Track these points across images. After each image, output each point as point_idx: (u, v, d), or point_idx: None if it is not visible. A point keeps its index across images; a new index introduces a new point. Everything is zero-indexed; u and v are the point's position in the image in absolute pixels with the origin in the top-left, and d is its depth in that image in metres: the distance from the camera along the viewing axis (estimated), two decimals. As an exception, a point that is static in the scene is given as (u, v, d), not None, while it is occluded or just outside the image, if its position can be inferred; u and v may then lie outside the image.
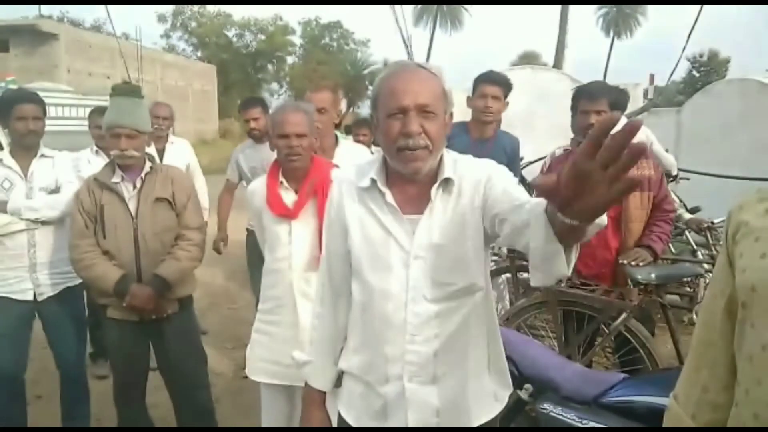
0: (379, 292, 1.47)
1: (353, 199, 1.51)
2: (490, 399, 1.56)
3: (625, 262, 2.83)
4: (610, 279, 2.92)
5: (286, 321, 2.36)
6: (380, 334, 1.48)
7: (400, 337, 1.45)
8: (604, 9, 42.71)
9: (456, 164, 1.47)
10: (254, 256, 4.02)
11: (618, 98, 2.91)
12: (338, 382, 1.65)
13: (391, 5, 10.97)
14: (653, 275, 2.74)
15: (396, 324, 1.45)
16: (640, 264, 2.80)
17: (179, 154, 4.61)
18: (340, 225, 1.54)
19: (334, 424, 1.67)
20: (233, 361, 4.34)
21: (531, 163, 6.49)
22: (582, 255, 2.86)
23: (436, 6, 38.02)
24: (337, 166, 2.50)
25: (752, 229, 1.07)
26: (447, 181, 1.44)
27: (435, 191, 1.43)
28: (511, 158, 3.29)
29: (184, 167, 4.32)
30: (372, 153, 4.19)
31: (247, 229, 4.19)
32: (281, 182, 2.38)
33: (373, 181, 1.47)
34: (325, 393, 1.67)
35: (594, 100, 2.85)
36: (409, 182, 1.46)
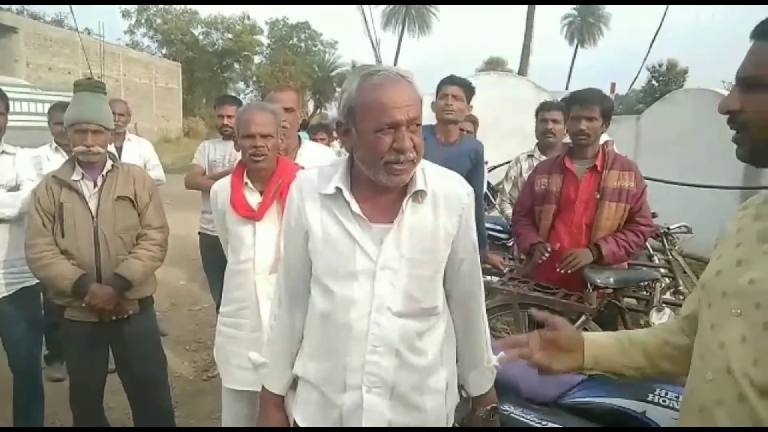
0: (342, 300, 1.44)
1: (315, 203, 1.47)
2: (443, 417, 1.57)
3: (558, 267, 2.88)
4: (579, 284, 2.96)
5: (249, 324, 2.34)
6: (341, 342, 1.46)
7: (362, 347, 1.43)
8: (569, 17, 43.61)
9: (425, 174, 1.47)
10: (210, 259, 3.98)
11: (609, 106, 2.97)
12: (293, 385, 1.64)
13: (360, 7, 10.99)
14: (611, 279, 2.80)
15: (358, 333, 1.43)
16: (572, 266, 2.85)
17: (137, 151, 4.54)
18: (300, 230, 1.50)
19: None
20: (193, 364, 4.27)
21: (496, 167, 6.58)
22: (552, 262, 2.92)
23: (404, 9, 38.22)
24: (302, 167, 2.48)
25: (724, 235, 1.21)
26: (418, 193, 1.44)
27: (406, 202, 1.43)
28: (475, 163, 3.32)
29: (141, 165, 4.26)
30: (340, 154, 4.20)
31: (200, 233, 4.14)
32: (246, 183, 2.35)
33: (338, 188, 1.44)
34: (280, 396, 1.65)
35: (586, 106, 2.90)
36: (378, 191, 1.43)
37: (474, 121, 4.32)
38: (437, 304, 1.50)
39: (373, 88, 1.36)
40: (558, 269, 2.90)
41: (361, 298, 1.43)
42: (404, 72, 1.41)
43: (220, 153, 4.04)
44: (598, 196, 2.90)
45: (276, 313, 1.64)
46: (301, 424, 1.57)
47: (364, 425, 1.46)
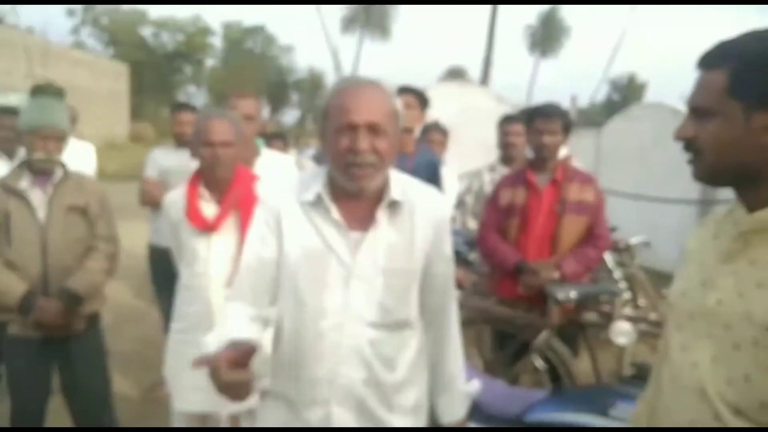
0: (313, 310, 1.46)
1: (294, 212, 1.50)
2: None
3: (522, 288, 2.95)
4: (541, 299, 3.01)
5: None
6: (310, 353, 1.46)
7: (332, 358, 1.44)
8: (531, 29, 44.65)
9: (403, 186, 1.51)
10: (159, 273, 3.89)
11: (570, 120, 3.08)
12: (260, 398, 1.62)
13: (318, 9, 11.02)
14: (572, 294, 2.87)
15: (329, 343, 1.44)
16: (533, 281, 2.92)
17: (79, 158, 4.42)
18: (275, 237, 1.51)
19: None
20: (138, 384, 4.16)
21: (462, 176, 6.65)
22: (515, 276, 2.97)
23: (364, 15, 38.45)
24: (259, 177, 2.47)
25: (686, 254, 1.28)
26: (394, 204, 1.47)
27: (381, 211, 1.46)
28: (431, 174, 3.36)
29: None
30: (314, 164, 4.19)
31: (150, 246, 4.05)
32: (202, 194, 2.33)
33: (319, 195, 1.47)
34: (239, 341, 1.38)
35: (549, 120, 2.99)
36: (354, 199, 1.47)
37: (444, 132, 4.38)
38: (410, 316, 1.52)
39: (339, 92, 1.45)
40: (521, 290, 2.96)
41: (333, 308, 1.44)
42: (379, 81, 1.48)
43: (174, 161, 3.93)
44: (558, 209, 2.98)
45: (231, 300, 1.55)
46: None
47: None
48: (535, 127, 3.03)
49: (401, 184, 1.51)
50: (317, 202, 1.48)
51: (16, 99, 9.35)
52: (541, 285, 2.89)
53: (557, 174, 3.01)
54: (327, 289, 1.45)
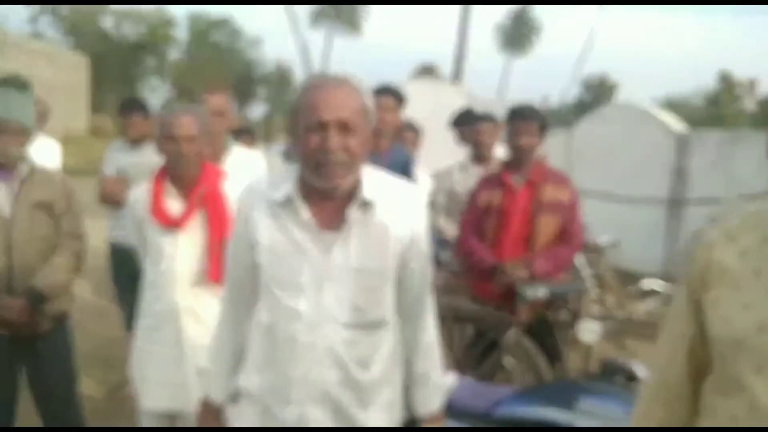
0: (287, 311, 1.48)
1: (264, 212, 1.51)
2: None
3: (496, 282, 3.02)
4: (511, 297, 3.08)
5: (169, 339, 2.30)
6: (285, 354, 1.49)
7: (306, 359, 1.47)
8: (502, 26, 45.06)
9: (376, 183, 1.52)
10: (119, 270, 3.87)
11: (546, 122, 3.17)
12: (234, 399, 1.65)
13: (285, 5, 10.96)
14: (541, 292, 2.94)
15: (303, 345, 1.47)
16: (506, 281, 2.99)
17: (44, 154, 4.34)
18: (247, 239, 1.53)
19: None
20: (101, 383, 4.12)
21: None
22: (488, 275, 3.03)
23: (333, 6, 38.31)
24: (226, 173, 2.48)
25: (730, 274, 1.02)
26: (366, 203, 1.48)
27: (352, 211, 1.47)
28: (404, 172, 3.40)
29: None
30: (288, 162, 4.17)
31: (110, 243, 4.01)
32: (167, 190, 2.32)
33: (289, 195, 1.48)
34: (220, 405, 1.66)
35: (527, 121, 3.06)
36: (326, 198, 1.48)
37: (416, 130, 4.43)
38: (385, 316, 1.54)
39: (308, 90, 1.46)
40: (496, 284, 3.02)
41: (306, 309, 1.47)
42: (349, 78, 1.49)
43: (129, 159, 3.86)
44: (533, 210, 3.05)
45: (221, 321, 1.67)
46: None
47: None
48: (514, 128, 3.10)
49: (375, 181, 1.52)
50: (287, 203, 1.49)
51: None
52: (511, 283, 2.96)
53: (533, 175, 3.08)
54: (300, 290, 1.47)
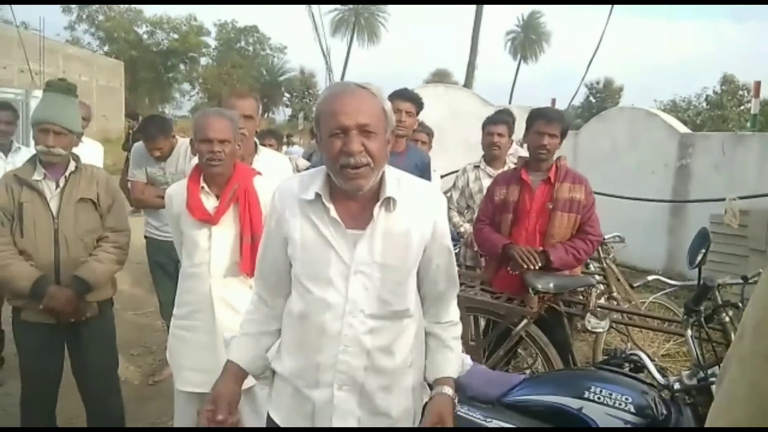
0: (318, 302, 1.51)
1: (295, 211, 1.54)
2: (410, 417, 1.63)
3: (510, 268, 3.02)
4: (522, 289, 3.08)
5: (203, 327, 2.34)
6: (315, 342, 1.52)
7: (334, 346, 1.50)
8: (512, 34, 44.82)
9: (399, 183, 1.54)
10: (156, 262, 3.93)
11: (568, 125, 3.15)
12: (269, 381, 1.68)
13: (310, 11, 11.00)
14: (551, 284, 2.94)
15: (331, 334, 1.50)
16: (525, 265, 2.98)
17: (89, 155, 4.40)
18: (280, 236, 1.57)
19: (263, 424, 1.70)
20: (139, 369, 4.19)
21: (441, 177, 6.72)
22: (504, 271, 3.05)
23: (353, 17, 38.36)
24: (259, 173, 2.51)
25: None
26: (389, 200, 1.50)
27: (377, 209, 1.49)
28: (421, 173, 3.42)
29: None
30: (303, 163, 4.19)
31: (146, 237, 4.07)
32: (202, 187, 2.36)
33: (318, 194, 1.50)
34: (242, 370, 1.64)
35: (550, 123, 3.05)
36: (351, 198, 1.51)
37: (429, 132, 4.43)
38: (409, 307, 1.56)
39: (329, 97, 1.48)
40: (510, 270, 3.03)
41: (335, 301, 1.49)
42: (367, 84, 1.51)
43: (156, 169, 3.87)
44: (550, 207, 3.05)
45: (254, 299, 1.70)
46: (274, 417, 1.63)
47: (334, 420, 1.52)
48: (535, 129, 3.09)
49: (396, 180, 1.54)
50: (316, 202, 1.51)
51: (12, 94, 9.26)
52: (524, 270, 2.97)
53: (551, 173, 3.08)
54: (329, 284, 1.50)
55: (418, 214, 1.53)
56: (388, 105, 1.53)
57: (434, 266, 1.60)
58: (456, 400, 1.64)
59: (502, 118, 4.20)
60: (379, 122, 1.47)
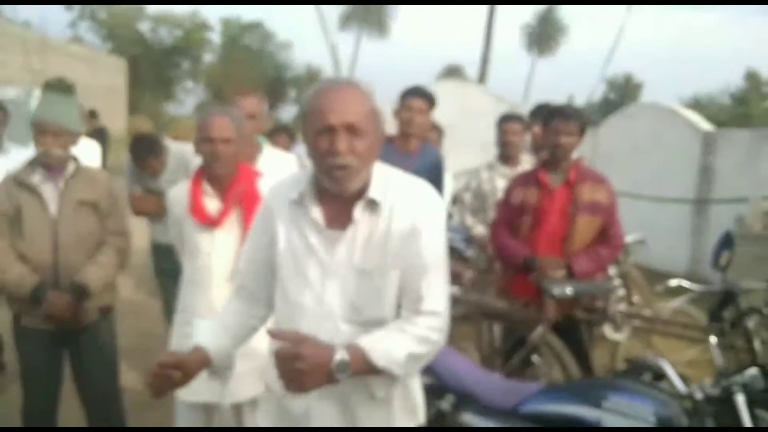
0: (296, 306, 1.52)
1: (283, 210, 1.55)
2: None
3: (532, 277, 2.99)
4: (538, 295, 3.06)
5: (205, 332, 2.34)
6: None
7: None
8: (528, 27, 44.67)
9: (388, 183, 1.51)
10: (161, 267, 3.94)
11: (586, 123, 3.11)
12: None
13: (316, 6, 11.02)
14: (568, 290, 2.92)
15: None
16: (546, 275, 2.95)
17: (85, 155, 4.42)
18: (268, 236, 1.57)
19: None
20: (140, 375, 4.20)
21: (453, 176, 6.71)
22: (520, 277, 3.02)
23: (361, 9, 38.35)
24: (262, 174, 2.51)
25: None
26: (373, 203, 1.48)
27: (359, 211, 1.47)
28: (434, 172, 3.40)
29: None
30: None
31: (152, 242, 4.08)
32: (205, 189, 2.36)
33: (302, 194, 1.51)
34: (203, 351, 1.57)
35: (567, 121, 3.02)
36: (335, 197, 1.50)
37: (438, 130, 4.42)
38: (384, 315, 1.50)
39: (316, 94, 1.47)
40: (529, 280, 3.00)
41: (311, 304, 1.50)
42: (356, 82, 1.51)
43: (150, 184, 3.81)
44: (571, 210, 3.02)
45: (229, 298, 1.72)
46: (261, 423, 1.65)
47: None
48: (552, 127, 3.06)
49: (385, 182, 1.50)
50: (300, 201, 1.52)
51: (13, 92, 9.34)
52: (544, 280, 2.94)
53: (570, 174, 3.04)
54: (306, 286, 1.50)
55: (405, 217, 1.48)
56: (376, 104, 1.51)
57: (413, 269, 1.48)
58: (342, 375, 1.38)
59: (517, 115, 4.17)
60: (367, 121, 1.46)
